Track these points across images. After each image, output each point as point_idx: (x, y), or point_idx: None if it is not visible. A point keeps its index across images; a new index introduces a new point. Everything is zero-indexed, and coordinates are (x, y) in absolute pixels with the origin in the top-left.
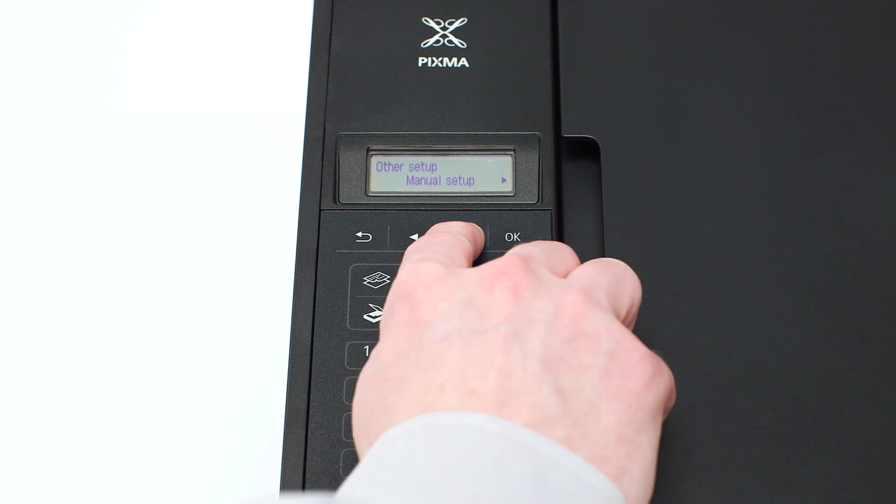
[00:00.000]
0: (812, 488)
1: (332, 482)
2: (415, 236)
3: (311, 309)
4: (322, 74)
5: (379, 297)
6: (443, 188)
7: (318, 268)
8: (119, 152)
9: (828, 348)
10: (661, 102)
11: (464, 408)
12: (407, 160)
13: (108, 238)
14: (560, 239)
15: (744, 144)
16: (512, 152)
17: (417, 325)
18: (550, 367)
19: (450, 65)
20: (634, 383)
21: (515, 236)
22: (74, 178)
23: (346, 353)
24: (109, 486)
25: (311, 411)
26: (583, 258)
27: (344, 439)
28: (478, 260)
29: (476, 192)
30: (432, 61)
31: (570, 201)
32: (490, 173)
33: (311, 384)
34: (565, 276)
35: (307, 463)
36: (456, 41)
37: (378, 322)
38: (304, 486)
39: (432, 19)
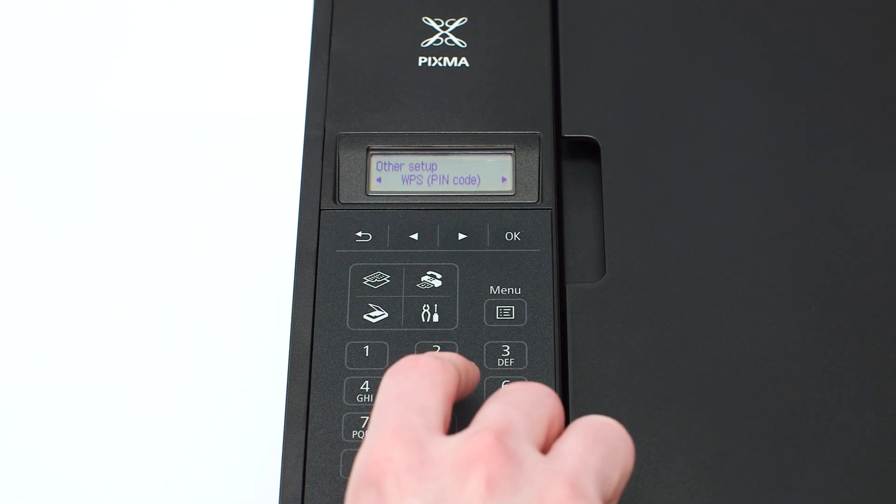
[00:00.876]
0: (812, 488)
1: (331, 482)
2: (415, 236)
3: (311, 309)
4: (322, 74)
5: (379, 296)
6: (443, 188)
7: (318, 268)
8: (119, 152)
9: (828, 348)
10: (662, 102)
11: None
12: (407, 160)
13: (107, 238)
14: (560, 239)
15: (744, 144)
16: (512, 152)
17: None
18: None
19: (450, 64)
20: None
21: (515, 235)
22: (74, 178)
23: (345, 353)
24: (109, 486)
25: (310, 411)
26: (583, 258)
27: (344, 439)
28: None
29: (476, 192)
30: (432, 61)
31: (570, 201)
32: (490, 173)
33: (311, 384)
34: (549, 438)
35: (307, 463)
36: (456, 41)
37: (378, 322)
38: (303, 486)
39: (432, 19)
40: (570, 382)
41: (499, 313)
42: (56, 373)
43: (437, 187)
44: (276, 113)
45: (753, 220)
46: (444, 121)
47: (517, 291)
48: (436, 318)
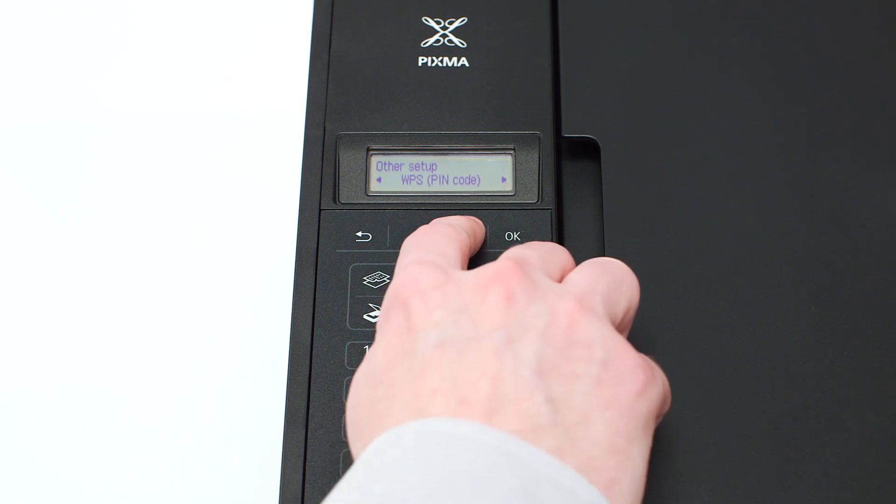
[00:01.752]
0: (812, 488)
1: (331, 482)
2: None
3: (311, 309)
4: (322, 74)
5: (379, 297)
6: (443, 188)
7: (318, 268)
8: (119, 152)
9: (828, 348)
10: (662, 102)
11: (455, 415)
12: (407, 160)
13: (107, 237)
14: (560, 239)
15: (744, 144)
16: (512, 152)
17: (412, 332)
18: (542, 376)
19: (450, 64)
20: (626, 393)
21: (515, 235)
22: (74, 177)
23: (345, 353)
24: (109, 486)
25: (310, 411)
26: (583, 258)
27: (343, 439)
28: (477, 259)
29: (476, 192)
30: (432, 61)
31: (570, 201)
32: (490, 173)
33: (311, 384)
34: (562, 279)
35: (307, 463)
36: (456, 41)
37: (377, 322)
38: (303, 486)
39: (432, 19)
40: None
41: None
42: (56, 373)
43: (437, 187)
44: (276, 113)
45: (753, 220)
46: (444, 121)
47: None
48: None
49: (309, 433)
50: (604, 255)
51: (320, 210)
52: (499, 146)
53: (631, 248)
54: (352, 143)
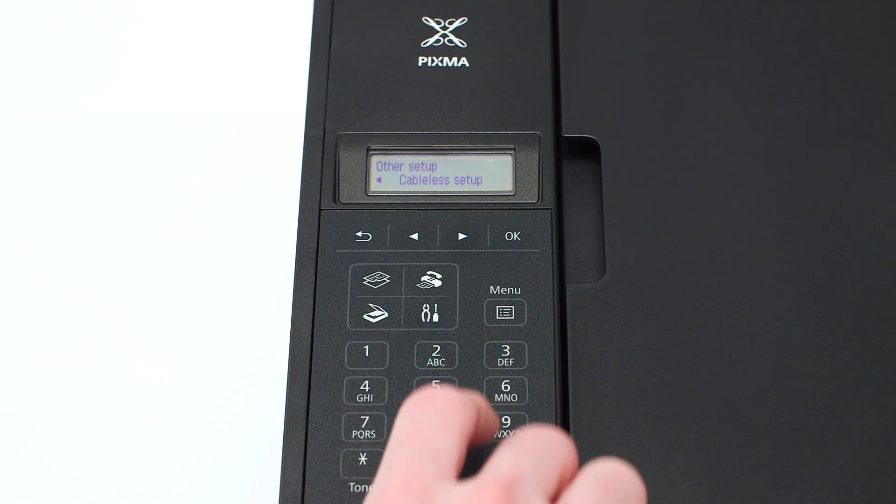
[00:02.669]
0: (812, 488)
1: (331, 482)
2: (415, 236)
3: (311, 309)
4: (322, 74)
5: (379, 296)
6: (443, 188)
7: (318, 268)
8: (119, 152)
9: (828, 348)
10: (662, 102)
11: None
12: (407, 160)
13: (107, 237)
14: (560, 239)
15: (744, 144)
16: (512, 152)
17: None
18: None
19: (450, 64)
20: None
21: (515, 235)
22: (74, 178)
23: (345, 353)
24: (109, 486)
25: (310, 411)
26: (583, 258)
27: (344, 439)
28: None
29: (476, 192)
30: (432, 61)
31: (570, 201)
32: (490, 173)
33: (311, 384)
34: (561, 487)
35: (307, 463)
36: (456, 41)
37: (378, 323)
38: (303, 486)
39: (432, 19)
40: (569, 382)
41: (499, 313)
42: (56, 373)
43: (437, 187)
44: (276, 113)
45: (753, 220)
46: (444, 121)
47: (517, 291)
48: (436, 317)
49: (309, 433)
50: (604, 256)
51: (320, 210)
52: (499, 146)
53: (631, 248)
54: (352, 143)
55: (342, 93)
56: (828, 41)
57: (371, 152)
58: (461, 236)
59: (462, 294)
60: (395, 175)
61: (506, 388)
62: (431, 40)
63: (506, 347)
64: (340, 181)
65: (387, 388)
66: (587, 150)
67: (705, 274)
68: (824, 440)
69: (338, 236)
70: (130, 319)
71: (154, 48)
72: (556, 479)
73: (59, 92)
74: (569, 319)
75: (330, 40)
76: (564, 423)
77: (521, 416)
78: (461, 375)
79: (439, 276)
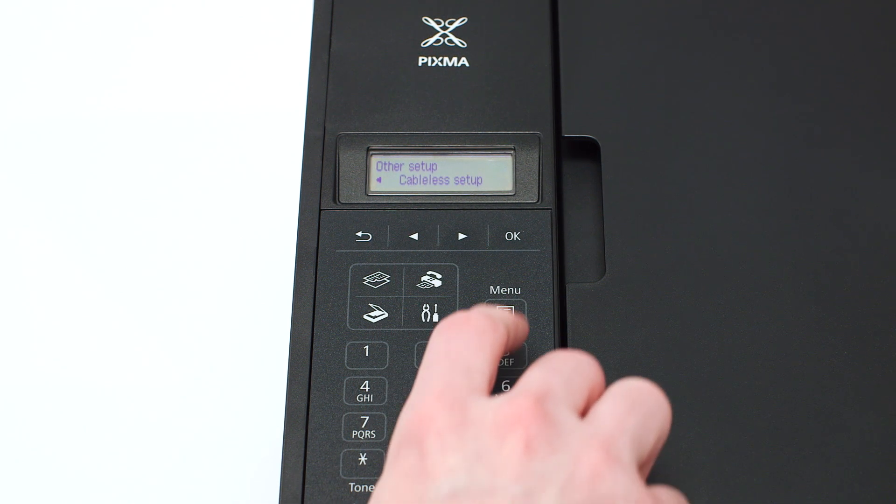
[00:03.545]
0: (812, 488)
1: (332, 482)
2: (415, 236)
3: (311, 309)
4: (322, 74)
5: (379, 296)
6: (443, 188)
7: (318, 268)
8: (119, 152)
9: (828, 348)
10: (662, 102)
11: None
12: (407, 160)
13: (107, 238)
14: (560, 239)
15: (744, 144)
16: (512, 152)
17: (424, 478)
18: None
19: (450, 64)
20: None
21: (515, 235)
22: (74, 178)
23: (346, 353)
24: (109, 486)
25: (311, 411)
26: (583, 258)
27: (344, 439)
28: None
29: (476, 192)
30: (432, 61)
31: (570, 201)
32: (490, 173)
33: (311, 384)
34: (589, 400)
35: (307, 463)
36: (456, 41)
37: (378, 322)
38: (303, 486)
39: (432, 19)
40: None
41: None
42: (56, 373)
43: (437, 187)
44: (276, 113)
45: (753, 220)
46: (444, 121)
47: (517, 291)
48: (436, 317)
49: (309, 433)
50: (604, 256)
51: (320, 210)
52: (499, 146)
53: (631, 248)
54: (352, 143)
55: (342, 93)
56: (828, 41)
57: (371, 152)
58: (461, 236)
59: (462, 294)
60: (395, 175)
61: (505, 388)
62: (431, 40)
63: None
64: (340, 181)
65: (387, 388)
66: (587, 150)
67: (705, 274)
68: (824, 440)
69: (338, 236)
70: (130, 319)
71: (154, 48)
72: (584, 396)
73: (59, 92)
74: (569, 319)
75: (330, 40)
76: None
77: None
78: None
79: (439, 276)
